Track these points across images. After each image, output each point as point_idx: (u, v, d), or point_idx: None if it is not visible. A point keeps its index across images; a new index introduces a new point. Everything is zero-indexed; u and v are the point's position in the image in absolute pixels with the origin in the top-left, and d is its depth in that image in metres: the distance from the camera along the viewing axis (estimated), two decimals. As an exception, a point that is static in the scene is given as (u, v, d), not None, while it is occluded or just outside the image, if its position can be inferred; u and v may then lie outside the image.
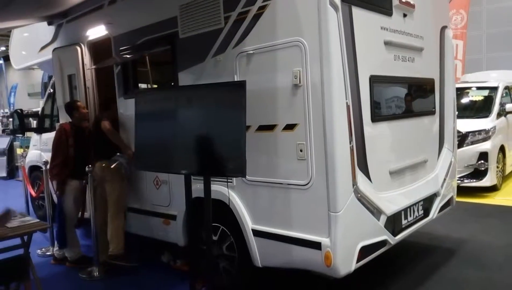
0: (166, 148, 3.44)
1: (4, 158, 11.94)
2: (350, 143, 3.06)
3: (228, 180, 3.61)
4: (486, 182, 7.07)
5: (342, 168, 3.00)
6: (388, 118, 3.69)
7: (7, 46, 12.59)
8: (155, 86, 5.31)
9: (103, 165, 4.59)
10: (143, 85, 5.38)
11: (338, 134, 2.97)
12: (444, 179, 4.34)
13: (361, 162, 3.21)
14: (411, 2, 3.84)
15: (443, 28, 4.50)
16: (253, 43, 3.37)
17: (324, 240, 3.02)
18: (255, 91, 3.27)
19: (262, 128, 3.38)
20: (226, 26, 3.55)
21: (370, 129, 3.34)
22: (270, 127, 3.32)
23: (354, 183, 3.10)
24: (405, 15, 3.80)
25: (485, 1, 15.67)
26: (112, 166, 4.52)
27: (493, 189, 7.28)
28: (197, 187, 3.59)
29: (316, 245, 3.06)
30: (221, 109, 3.20)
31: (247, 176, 3.20)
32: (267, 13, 3.26)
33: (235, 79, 3.50)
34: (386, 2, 3.59)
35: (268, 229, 3.39)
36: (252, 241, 3.49)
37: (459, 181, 6.55)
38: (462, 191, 6.42)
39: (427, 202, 4.11)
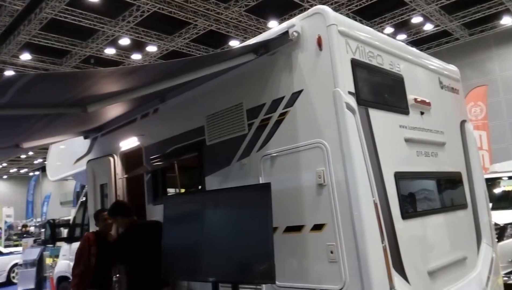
0: (193, 254, 3.40)
1: (34, 269, 11.88)
2: (382, 243, 2.95)
3: (257, 287, 3.47)
4: (536, 277, 6.49)
5: (377, 270, 2.86)
6: (419, 214, 3.60)
7: (44, 158, 13.38)
8: (183, 190, 5.43)
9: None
10: (171, 190, 5.51)
11: (368, 233, 2.89)
12: (488, 277, 4.04)
13: (396, 262, 3.07)
14: (427, 101, 3.98)
15: (463, 122, 4.59)
16: (276, 146, 3.49)
17: None
18: (280, 191, 3.30)
19: (290, 229, 3.33)
20: (250, 132, 3.72)
21: (401, 226, 3.25)
22: (298, 228, 3.27)
23: (391, 286, 2.92)
24: (422, 113, 3.92)
25: (502, 92, 16.02)
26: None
27: (545, 285, 6.65)
28: (225, 295, 3.45)
29: None
30: (247, 211, 3.21)
31: (276, 282, 3.07)
32: (288, 118, 3.43)
33: (260, 181, 3.56)
34: (402, 102, 3.74)
35: None
36: None
37: (505, 278, 6.05)
38: (510, 289, 5.88)
39: (474, 304, 3.79)
